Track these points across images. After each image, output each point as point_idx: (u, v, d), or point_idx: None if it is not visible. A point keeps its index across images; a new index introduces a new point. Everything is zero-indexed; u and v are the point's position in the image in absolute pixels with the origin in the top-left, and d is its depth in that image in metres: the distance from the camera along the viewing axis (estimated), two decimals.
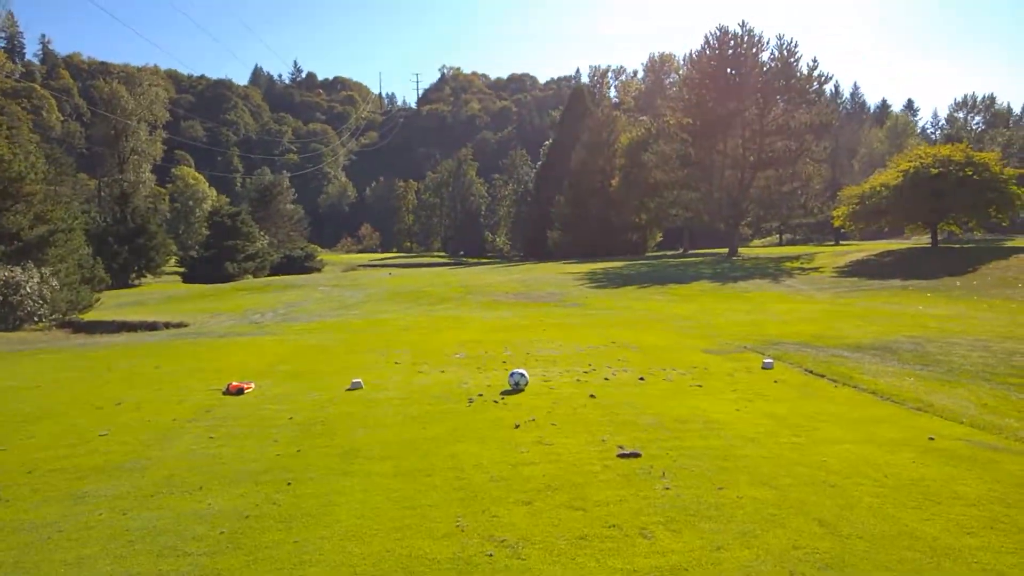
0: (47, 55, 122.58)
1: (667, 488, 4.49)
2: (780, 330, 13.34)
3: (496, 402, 7.18)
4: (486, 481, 4.71)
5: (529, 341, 12.03)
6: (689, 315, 16.74)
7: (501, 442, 5.67)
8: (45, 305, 20.86)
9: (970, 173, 25.95)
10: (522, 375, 7.86)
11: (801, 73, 37.33)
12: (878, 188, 28.48)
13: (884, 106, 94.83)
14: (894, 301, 18.57)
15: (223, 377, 8.89)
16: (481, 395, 7.51)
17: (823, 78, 37.91)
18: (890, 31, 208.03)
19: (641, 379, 8.44)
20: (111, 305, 26.07)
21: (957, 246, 30.36)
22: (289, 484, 4.72)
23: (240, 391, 7.85)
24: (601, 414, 6.60)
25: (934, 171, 26.51)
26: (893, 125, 76.47)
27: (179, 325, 19.61)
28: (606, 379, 8.45)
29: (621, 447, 5.42)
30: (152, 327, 19.62)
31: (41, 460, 5.41)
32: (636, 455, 5.19)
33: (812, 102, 37.77)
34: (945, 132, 73.67)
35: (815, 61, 38.09)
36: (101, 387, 8.48)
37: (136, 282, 42.95)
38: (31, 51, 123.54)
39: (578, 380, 8.37)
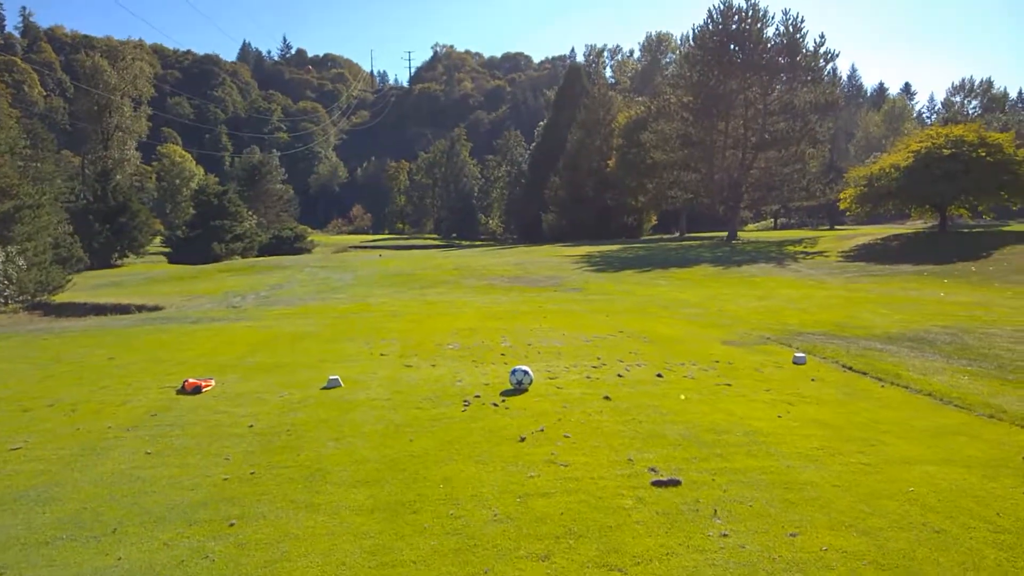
0: (28, 28, 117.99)
1: (724, 535, 3.45)
2: (799, 318, 12.36)
3: (496, 405, 6.12)
4: (488, 521, 3.66)
5: (529, 330, 10.95)
6: (697, 302, 15.72)
7: (505, 461, 4.61)
8: (11, 286, 19.55)
9: (983, 154, 24.96)
10: (525, 373, 6.78)
11: (807, 49, 35.91)
12: (888, 169, 27.38)
13: (881, 89, 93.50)
14: (911, 287, 17.62)
15: (183, 371, 7.79)
16: (478, 396, 6.44)
17: (829, 55, 36.53)
18: (887, 13, 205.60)
19: (659, 376, 7.41)
20: (87, 286, 24.71)
21: (966, 230, 29.44)
22: (232, 524, 3.65)
23: (197, 389, 6.74)
24: (621, 422, 5.56)
25: (947, 152, 25.45)
26: (890, 109, 75.23)
27: (153, 308, 18.38)
28: (620, 376, 7.41)
29: (654, 470, 4.38)
30: (124, 310, 18.40)
31: None
32: (675, 482, 4.15)
33: (817, 80, 36.43)
34: (942, 116, 72.49)
35: (822, 37, 36.50)
36: (38, 383, 7.33)
37: (118, 262, 41.39)
38: (11, 23, 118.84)
39: (588, 377, 7.32)
